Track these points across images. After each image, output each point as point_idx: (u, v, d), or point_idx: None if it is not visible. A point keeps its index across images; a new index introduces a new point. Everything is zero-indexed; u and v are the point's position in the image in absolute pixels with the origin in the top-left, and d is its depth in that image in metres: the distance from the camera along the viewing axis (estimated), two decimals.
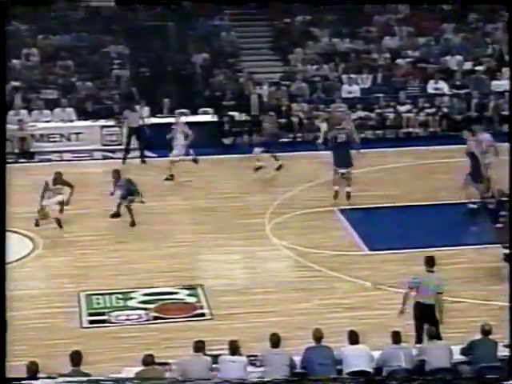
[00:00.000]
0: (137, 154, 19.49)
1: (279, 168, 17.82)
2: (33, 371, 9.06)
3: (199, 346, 9.52)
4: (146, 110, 20.86)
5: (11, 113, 20.68)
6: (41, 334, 11.36)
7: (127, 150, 19.20)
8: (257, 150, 17.93)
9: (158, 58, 22.61)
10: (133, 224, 15.10)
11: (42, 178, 17.36)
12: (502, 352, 9.80)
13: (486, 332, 9.91)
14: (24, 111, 20.68)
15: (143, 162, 19.02)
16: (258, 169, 17.70)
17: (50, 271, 13.69)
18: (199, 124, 20.29)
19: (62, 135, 19.92)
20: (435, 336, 9.95)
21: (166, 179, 17.37)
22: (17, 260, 13.82)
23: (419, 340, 10.34)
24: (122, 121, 19.60)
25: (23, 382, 8.72)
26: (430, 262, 10.96)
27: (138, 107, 19.65)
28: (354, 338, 9.75)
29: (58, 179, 15.17)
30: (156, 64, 22.46)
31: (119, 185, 15.19)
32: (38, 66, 22.38)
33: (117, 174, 15.36)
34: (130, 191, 15.18)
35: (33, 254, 14.25)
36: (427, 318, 10.63)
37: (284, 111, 21.34)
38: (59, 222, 14.97)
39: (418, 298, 10.81)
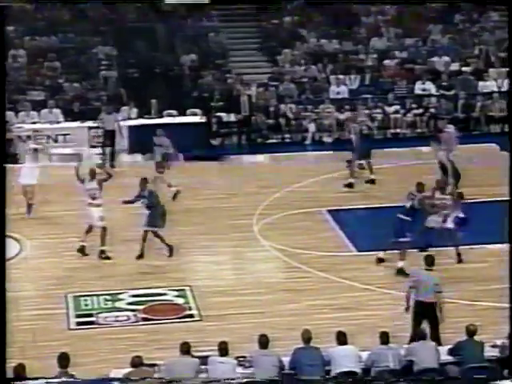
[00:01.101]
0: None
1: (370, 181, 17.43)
2: (19, 373, 9.04)
3: (186, 348, 9.56)
4: (134, 112, 20.86)
5: None
6: (28, 336, 11.30)
7: (112, 155, 19.00)
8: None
9: (146, 59, 22.60)
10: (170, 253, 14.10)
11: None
12: (489, 352, 9.89)
13: (471, 333, 9.99)
14: (10, 113, 20.60)
15: (112, 166, 18.42)
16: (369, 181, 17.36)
17: (38, 273, 13.65)
18: (187, 125, 20.33)
19: (48, 136, 19.82)
20: (425, 336, 9.99)
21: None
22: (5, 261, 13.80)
23: (413, 339, 10.41)
24: (99, 124, 19.43)
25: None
26: (430, 261, 11.09)
27: (113, 111, 19.47)
28: (342, 339, 9.82)
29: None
30: (144, 65, 22.44)
31: (142, 195, 14.21)
32: (24, 67, 22.32)
33: (144, 182, 14.33)
34: (152, 204, 14.06)
35: (20, 255, 14.22)
36: (427, 315, 10.75)
37: (272, 112, 21.38)
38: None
39: (418, 296, 10.90)
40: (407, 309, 11.02)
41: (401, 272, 13.05)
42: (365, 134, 17.49)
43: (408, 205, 13.49)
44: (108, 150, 19.18)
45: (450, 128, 17.61)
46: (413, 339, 10.41)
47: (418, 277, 11.08)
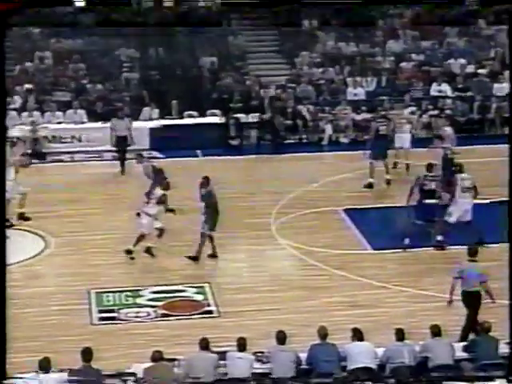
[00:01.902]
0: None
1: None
2: (45, 367, 9.29)
3: (205, 344, 9.72)
4: (156, 112, 21.19)
5: (24, 114, 21.07)
6: (52, 331, 11.55)
7: (123, 160, 18.57)
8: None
9: (167, 61, 22.89)
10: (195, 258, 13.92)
11: (53, 179, 17.73)
12: (504, 349, 9.97)
13: (485, 330, 10.13)
14: (37, 113, 21.05)
15: (122, 172, 18.45)
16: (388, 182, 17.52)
17: (61, 269, 13.88)
18: (207, 125, 20.61)
19: (73, 136, 20.17)
20: (440, 332, 10.07)
21: None
22: (29, 258, 14.09)
23: (475, 331, 10.65)
24: (111, 130, 19.10)
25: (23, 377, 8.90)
26: (473, 252, 11.39)
27: (125, 116, 19.33)
28: (358, 335, 9.94)
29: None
30: (165, 67, 22.74)
31: (202, 194, 14.17)
32: (50, 69, 22.69)
33: (206, 181, 14.27)
34: (210, 206, 13.95)
35: (44, 252, 14.46)
36: (472, 305, 11.00)
37: (290, 113, 21.60)
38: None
39: (463, 286, 11.14)
40: (450, 302, 11.26)
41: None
42: (381, 133, 17.68)
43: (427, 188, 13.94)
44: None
45: (449, 128, 17.77)
46: (474, 331, 10.63)
47: (463, 268, 11.29)
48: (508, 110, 20.74)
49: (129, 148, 18.69)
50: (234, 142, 21.00)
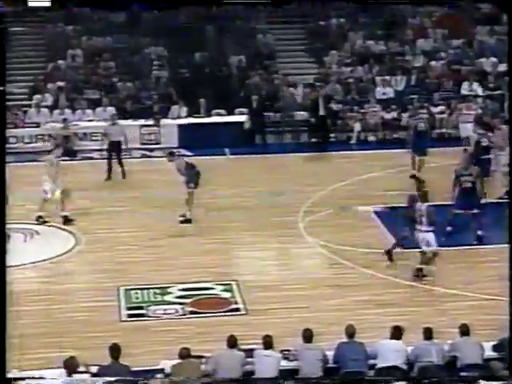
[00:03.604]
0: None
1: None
2: (71, 366, 9.30)
3: (232, 341, 9.72)
4: (184, 110, 21.30)
5: (56, 112, 21.31)
6: (81, 327, 11.63)
7: (109, 168, 18.18)
8: None
9: (196, 59, 22.99)
10: None
11: (84, 176, 17.86)
12: None
13: None
14: (68, 110, 21.26)
15: (109, 177, 18.12)
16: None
17: (91, 266, 14.00)
18: (235, 124, 20.67)
19: (103, 134, 20.40)
20: (469, 331, 9.97)
21: None
22: (59, 255, 14.23)
23: None
24: (102, 137, 19.01)
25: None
26: None
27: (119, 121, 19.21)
28: (396, 334, 9.85)
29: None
30: (194, 65, 22.84)
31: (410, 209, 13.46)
32: (82, 67, 22.92)
33: (412, 200, 13.60)
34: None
35: (75, 249, 14.57)
36: None
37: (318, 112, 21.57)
38: None
39: None
40: None
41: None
42: (420, 130, 17.81)
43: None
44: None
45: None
46: None
47: None
48: None
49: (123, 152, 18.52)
50: (262, 141, 21.02)
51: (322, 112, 20.95)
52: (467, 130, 18.51)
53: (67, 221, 15.41)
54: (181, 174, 15.45)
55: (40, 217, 15.39)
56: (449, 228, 14.58)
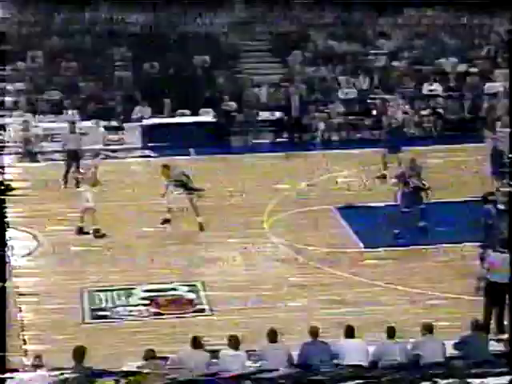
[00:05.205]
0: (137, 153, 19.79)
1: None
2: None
3: (197, 342, 9.71)
4: (148, 111, 21.21)
5: (16, 114, 21.04)
6: (44, 330, 11.54)
7: (66, 177, 17.70)
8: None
9: (160, 60, 22.90)
10: None
11: (45, 178, 17.69)
12: (495, 347, 10.07)
13: (477, 327, 10.19)
14: (28, 113, 21.04)
15: (65, 185, 17.58)
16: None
17: (53, 268, 13.88)
18: (200, 124, 20.65)
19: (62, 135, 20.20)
20: (432, 329, 10.08)
21: None
22: (21, 257, 14.08)
23: (489, 323, 10.80)
24: (62, 144, 18.70)
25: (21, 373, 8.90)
26: (503, 243, 11.36)
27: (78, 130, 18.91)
28: (350, 333, 9.97)
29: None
30: (157, 66, 22.75)
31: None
32: (42, 68, 22.68)
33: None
34: None
35: (37, 251, 14.47)
36: (499, 296, 10.95)
37: (283, 111, 21.65)
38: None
39: (492, 277, 11.10)
40: (478, 289, 11.37)
41: None
42: (394, 127, 18.05)
43: None
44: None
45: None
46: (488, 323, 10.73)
47: (493, 259, 11.27)
48: (499, 108, 20.89)
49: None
50: (226, 141, 21.03)
51: (294, 112, 21.03)
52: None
53: (99, 235, 14.92)
54: (176, 185, 15.05)
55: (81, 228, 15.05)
56: (421, 223, 14.71)
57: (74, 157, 17.96)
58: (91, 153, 19.27)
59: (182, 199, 15.00)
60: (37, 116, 21.07)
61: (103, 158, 19.80)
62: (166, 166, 15.15)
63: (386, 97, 20.73)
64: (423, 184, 14.93)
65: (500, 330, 10.86)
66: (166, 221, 15.04)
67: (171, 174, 15.01)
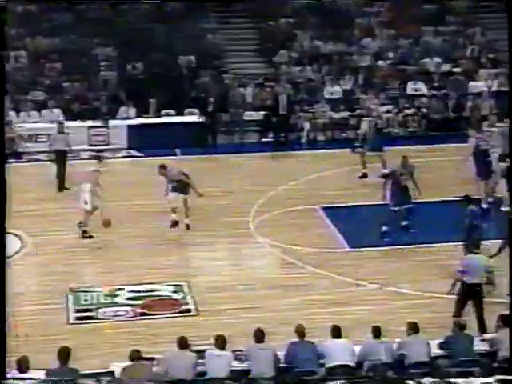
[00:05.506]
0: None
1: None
2: (23, 366, 9.25)
3: (183, 342, 9.71)
4: (133, 111, 21.15)
5: None
6: (29, 331, 11.45)
7: (62, 178, 17.47)
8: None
9: (145, 59, 22.84)
10: None
11: (29, 178, 17.63)
12: (479, 346, 10.15)
13: (460, 327, 10.25)
14: (12, 112, 20.88)
15: (60, 189, 17.38)
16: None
17: (38, 269, 13.86)
18: (185, 124, 20.62)
19: (49, 136, 20.09)
20: (417, 329, 10.12)
21: None
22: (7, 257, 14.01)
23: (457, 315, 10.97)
24: (50, 144, 18.45)
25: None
26: (477, 245, 11.85)
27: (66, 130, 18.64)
28: (336, 333, 10.00)
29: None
30: (143, 66, 22.69)
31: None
32: (26, 68, 22.55)
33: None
34: None
35: (21, 252, 14.42)
36: (475, 296, 11.17)
37: (268, 111, 21.65)
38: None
39: (468, 279, 11.21)
40: (452, 293, 11.45)
41: None
42: (378, 128, 18.10)
43: None
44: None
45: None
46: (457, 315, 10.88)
47: (469, 261, 11.39)
48: (482, 107, 21.00)
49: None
50: (212, 141, 21.01)
51: (281, 111, 21.04)
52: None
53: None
54: (174, 184, 14.93)
55: (85, 232, 14.94)
56: (404, 222, 14.75)
57: (62, 157, 17.87)
58: (76, 153, 19.19)
59: (180, 199, 14.91)
60: (20, 116, 20.94)
61: (87, 158, 19.78)
62: (162, 166, 15.04)
63: (369, 96, 20.73)
64: (415, 183, 14.85)
65: (482, 329, 10.94)
66: (175, 223, 14.83)
67: (170, 173, 14.92)
